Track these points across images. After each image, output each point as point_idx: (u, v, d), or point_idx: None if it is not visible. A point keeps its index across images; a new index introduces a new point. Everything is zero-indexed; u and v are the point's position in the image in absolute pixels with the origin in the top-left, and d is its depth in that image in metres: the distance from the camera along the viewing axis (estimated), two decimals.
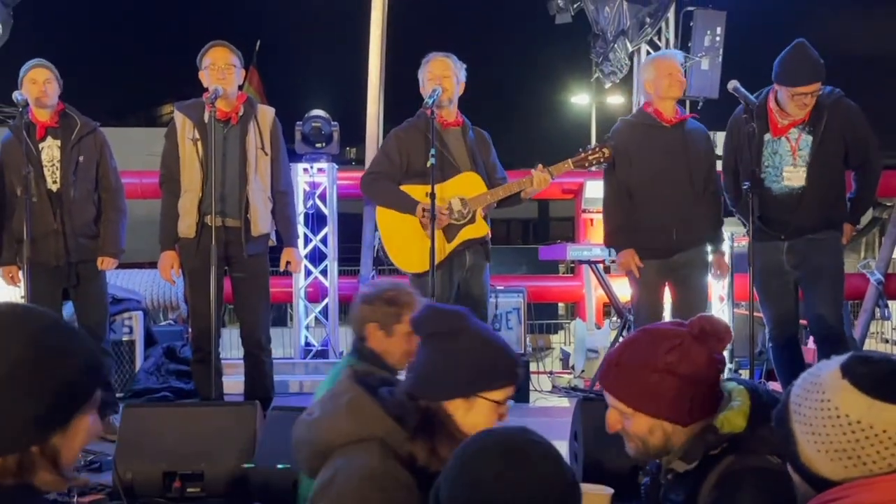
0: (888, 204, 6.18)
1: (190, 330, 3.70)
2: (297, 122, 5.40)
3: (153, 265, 3.76)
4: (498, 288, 5.37)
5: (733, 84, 3.38)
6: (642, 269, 3.52)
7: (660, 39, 6.85)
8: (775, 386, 3.71)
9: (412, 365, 1.63)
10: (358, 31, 6.16)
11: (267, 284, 3.61)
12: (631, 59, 6.72)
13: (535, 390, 4.75)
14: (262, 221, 3.49)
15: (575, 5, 6.57)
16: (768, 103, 3.36)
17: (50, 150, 3.64)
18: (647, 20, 6.44)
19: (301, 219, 5.35)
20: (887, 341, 7.24)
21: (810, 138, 3.31)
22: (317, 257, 5.54)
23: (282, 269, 3.67)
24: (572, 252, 5.18)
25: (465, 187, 3.40)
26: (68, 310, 3.93)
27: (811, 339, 4.01)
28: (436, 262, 3.34)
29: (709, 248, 3.61)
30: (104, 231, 3.71)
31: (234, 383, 3.82)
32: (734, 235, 4.91)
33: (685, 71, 3.73)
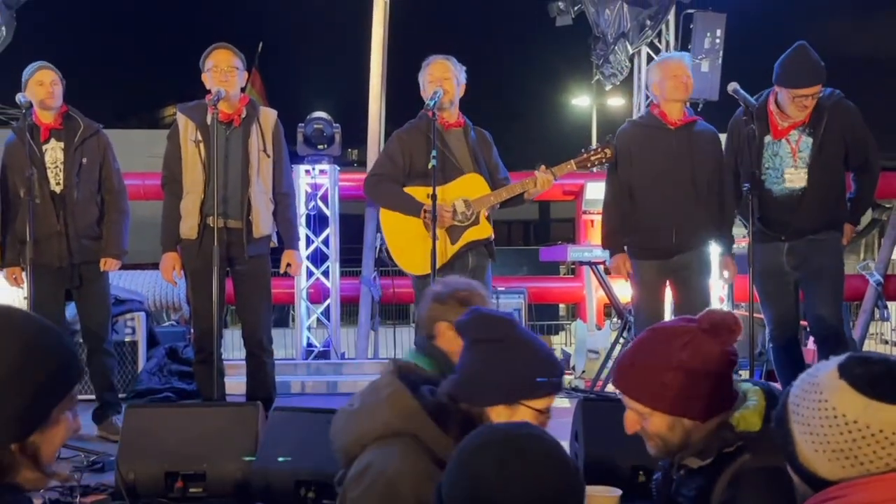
0: (887, 206, 6.20)
1: (192, 331, 3.71)
2: (299, 124, 5.42)
3: (155, 266, 3.77)
4: (499, 289, 5.39)
5: (733, 86, 3.38)
6: (642, 269, 3.54)
7: (660, 42, 6.86)
8: (775, 386, 3.72)
9: (457, 367, 1.64)
10: (359, 34, 6.18)
11: (268, 285, 3.62)
12: (631, 61, 6.74)
13: None
14: (263, 223, 3.50)
15: (576, 8, 6.58)
16: (768, 105, 3.37)
17: (53, 152, 3.65)
18: (648, 22, 6.46)
19: (303, 220, 5.37)
20: (886, 342, 7.24)
21: (810, 140, 3.31)
22: (318, 258, 5.56)
23: (282, 271, 3.68)
24: (573, 253, 5.20)
25: (468, 189, 3.41)
26: (71, 311, 3.94)
27: (811, 339, 4.02)
28: (439, 264, 3.36)
29: (716, 249, 3.61)
30: (107, 232, 3.72)
31: (235, 384, 3.84)
32: (734, 237, 4.91)
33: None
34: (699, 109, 6.32)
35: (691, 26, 6.49)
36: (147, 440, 2.83)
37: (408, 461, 1.48)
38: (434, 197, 3.22)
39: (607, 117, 17.31)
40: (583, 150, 3.49)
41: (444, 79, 3.42)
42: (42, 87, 3.59)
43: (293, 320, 6.10)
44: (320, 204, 5.52)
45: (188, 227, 3.46)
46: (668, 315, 3.76)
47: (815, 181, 3.31)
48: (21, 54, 5.02)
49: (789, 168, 3.34)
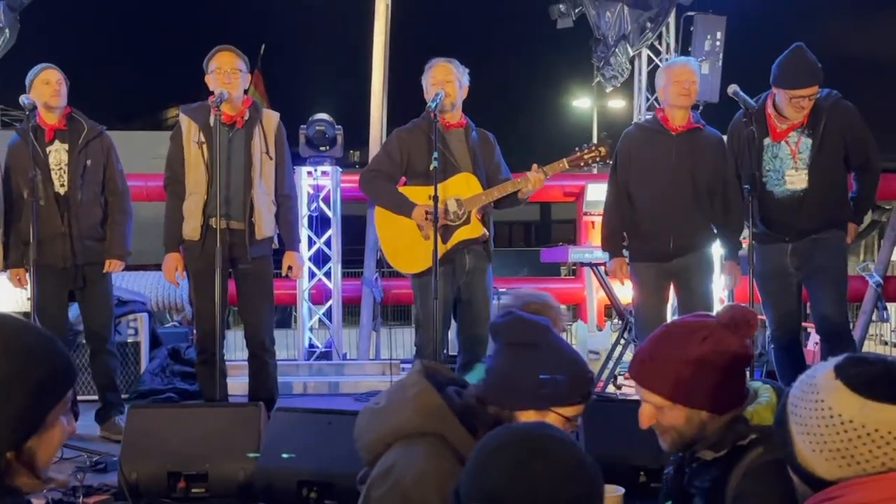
0: (887, 207, 6.20)
1: (195, 332, 3.72)
2: (302, 126, 5.43)
3: (158, 267, 3.78)
4: (500, 290, 5.39)
5: (733, 88, 3.39)
6: (642, 271, 3.54)
7: (660, 44, 6.88)
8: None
9: (487, 369, 1.63)
10: (362, 36, 6.20)
11: (271, 286, 3.63)
12: (632, 63, 6.76)
13: None
14: (266, 225, 3.50)
15: (576, 10, 6.60)
16: (766, 108, 3.37)
17: (57, 154, 3.67)
18: (648, 25, 6.48)
19: (305, 221, 5.38)
20: (886, 343, 7.24)
21: (810, 141, 3.32)
22: (321, 259, 5.57)
23: (283, 273, 3.68)
24: (574, 254, 5.21)
25: (461, 188, 3.40)
26: (74, 312, 3.96)
27: (811, 340, 4.03)
28: (431, 263, 3.35)
29: (720, 251, 3.60)
30: (111, 233, 3.73)
31: (238, 384, 3.85)
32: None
33: None
34: (699, 111, 6.35)
35: (692, 29, 6.51)
36: (150, 440, 2.83)
37: (433, 461, 1.48)
38: (435, 198, 3.22)
39: (608, 119, 17.33)
40: (576, 149, 3.46)
41: (445, 81, 3.42)
42: (48, 86, 3.60)
43: (295, 321, 6.11)
44: (322, 205, 5.54)
45: (191, 228, 3.47)
46: (669, 317, 3.77)
47: (816, 182, 3.31)
48: (24, 56, 5.04)
49: (790, 170, 3.34)
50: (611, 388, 4.80)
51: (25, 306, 3.72)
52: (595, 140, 3.49)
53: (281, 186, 3.59)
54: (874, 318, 5.01)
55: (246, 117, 3.51)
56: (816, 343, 4.49)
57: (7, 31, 5.74)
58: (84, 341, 3.92)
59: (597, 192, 6.24)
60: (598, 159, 3.45)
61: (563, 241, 7.98)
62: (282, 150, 3.60)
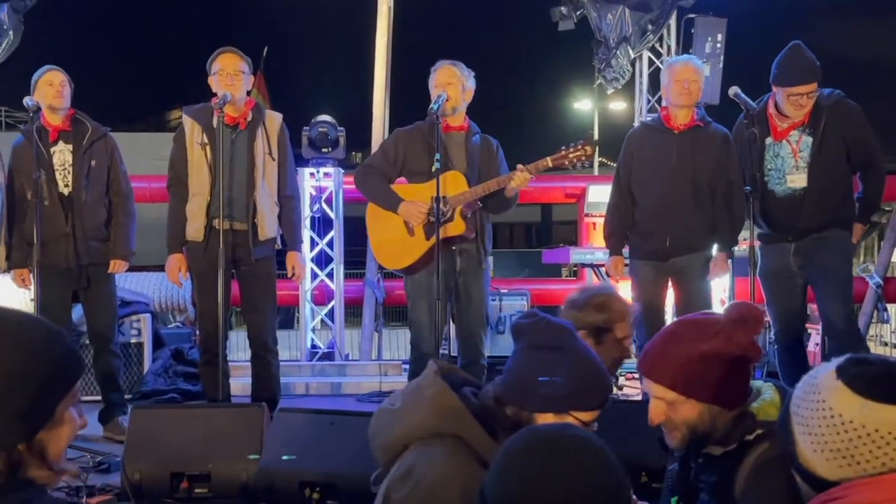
0: (887, 209, 6.19)
1: (198, 332, 3.73)
2: (304, 127, 5.45)
3: (161, 268, 3.79)
4: (502, 291, 5.41)
5: (734, 90, 3.40)
6: (640, 268, 3.55)
7: (661, 46, 6.90)
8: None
9: (505, 369, 1.63)
10: (364, 38, 6.21)
11: (273, 287, 3.64)
12: (633, 65, 6.78)
13: None
14: (269, 226, 3.52)
15: (578, 12, 6.62)
16: (768, 108, 3.37)
17: (62, 155, 3.68)
18: (649, 27, 6.49)
19: (307, 222, 5.40)
20: (886, 344, 7.24)
21: (810, 140, 3.31)
22: (323, 260, 5.58)
23: (289, 275, 3.70)
24: (575, 255, 5.23)
25: (448, 186, 3.37)
26: (77, 312, 3.97)
27: (811, 341, 4.03)
28: (413, 259, 3.39)
29: (713, 249, 3.58)
30: (115, 234, 3.75)
31: (241, 385, 3.86)
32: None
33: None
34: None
35: (692, 31, 6.52)
36: (153, 441, 2.84)
37: (454, 462, 1.47)
38: (437, 199, 3.23)
39: (609, 121, 17.35)
40: (562, 148, 3.40)
41: (447, 84, 3.42)
42: (52, 87, 3.62)
43: (298, 322, 6.13)
44: (325, 207, 5.56)
45: (194, 229, 3.48)
46: (669, 316, 3.78)
47: (816, 181, 3.31)
48: (28, 58, 5.06)
49: (791, 169, 3.34)
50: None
51: (29, 307, 3.73)
52: (583, 139, 3.43)
53: (283, 187, 3.60)
54: (874, 319, 5.01)
55: (249, 118, 3.52)
56: (817, 344, 4.50)
57: (11, 32, 5.77)
58: (87, 342, 3.93)
59: (598, 194, 6.25)
60: (583, 158, 3.37)
61: (564, 242, 8.00)
62: (284, 151, 3.61)
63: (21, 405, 1.04)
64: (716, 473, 1.56)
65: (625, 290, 4.55)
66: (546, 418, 1.55)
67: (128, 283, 5.37)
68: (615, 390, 4.84)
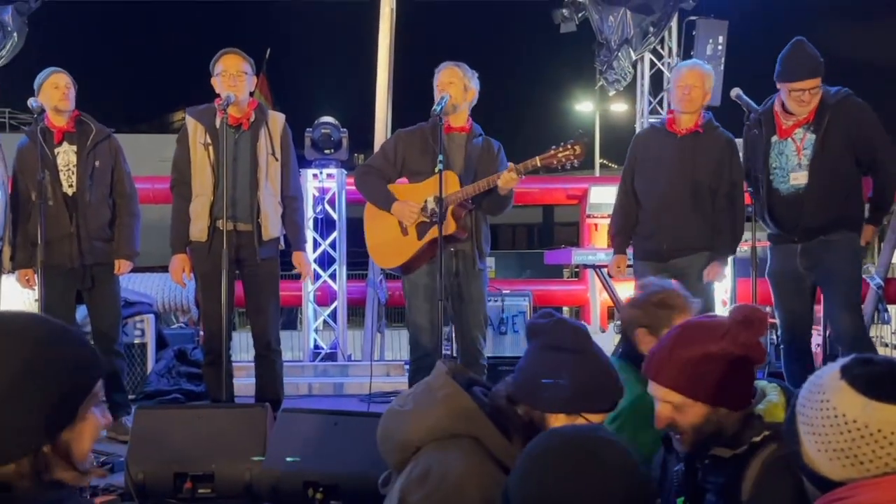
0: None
1: (201, 333, 3.74)
2: (307, 129, 5.47)
3: (163, 269, 3.81)
4: (504, 291, 5.42)
5: (736, 92, 3.41)
6: (642, 268, 3.56)
7: (663, 48, 6.91)
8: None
9: (519, 368, 1.63)
10: (367, 41, 6.23)
11: (277, 287, 3.65)
12: (634, 67, 6.79)
13: None
14: (272, 226, 3.53)
15: (580, 15, 6.63)
16: (774, 106, 3.36)
17: (66, 155, 3.70)
18: (651, 29, 6.50)
19: (310, 223, 5.41)
20: (887, 345, 7.23)
21: (814, 137, 3.28)
22: (326, 261, 5.60)
23: (300, 273, 3.72)
24: (577, 256, 5.24)
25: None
26: (81, 312, 3.99)
27: (812, 342, 4.02)
28: (406, 259, 3.40)
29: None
30: (119, 234, 3.77)
31: (244, 385, 3.87)
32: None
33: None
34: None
35: (694, 33, 6.53)
36: (156, 441, 2.84)
37: (471, 463, 1.47)
38: (440, 200, 3.24)
39: (610, 123, 17.37)
40: (552, 147, 3.32)
41: (448, 83, 3.42)
42: (57, 90, 3.64)
43: (301, 323, 6.14)
44: (327, 208, 5.57)
45: (198, 229, 3.50)
46: None
47: (817, 179, 3.27)
48: (31, 60, 5.09)
49: (794, 167, 3.31)
50: None
51: (33, 307, 3.75)
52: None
53: (287, 188, 3.61)
54: (875, 320, 5.01)
55: (252, 119, 3.53)
56: (818, 345, 4.50)
57: (15, 34, 5.79)
58: (91, 342, 3.94)
59: (600, 195, 6.26)
60: (572, 158, 3.27)
61: (566, 243, 8.01)
62: (287, 151, 3.62)
63: (45, 405, 1.05)
64: (724, 475, 1.56)
65: (627, 290, 4.57)
66: (558, 418, 1.55)
67: (131, 283, 5.38)
68: None
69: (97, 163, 3.71)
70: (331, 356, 5.54)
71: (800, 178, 3.30)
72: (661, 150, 3.53)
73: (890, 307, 5.42)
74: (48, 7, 6.06)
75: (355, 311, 6.43)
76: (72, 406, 1.08)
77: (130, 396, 4.16)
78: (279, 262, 3.67)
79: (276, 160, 3.56)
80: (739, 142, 3.57)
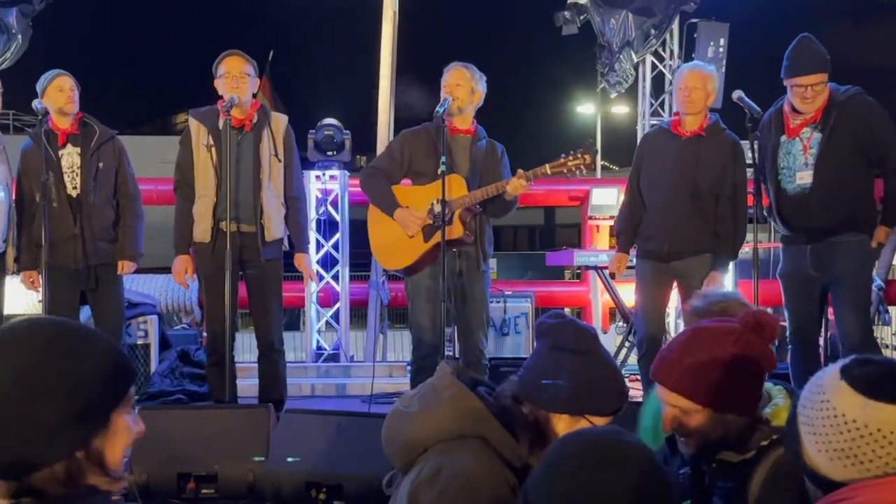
0: None
1: (205, 334, 3.76)
2: (310, 131, 5.48)
3: (168, 270, 3.82)
4: (506, 293, 5.43)
5: (738, 94, 3.40)
6: (644, 268, 3.57)
7: (664, 50, 6.92)
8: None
9: (525, 367, 1.63)
10: (369, 43, 6.24)
11: (280, 288, 3.66)
12: (636, 69, 6.80)
13: None
14: (275, 227, 3.54)
15: (581, 17, 6.64)
16: (784, 105, 3.34)
17: (70, 157, 3.71)
18: (652, 31, 6.51)
19: (313, 225, 5.42)
20: (888, 346, 7.23)
21: (821, 136, 3.25)
22: (328, 263, 5.61)
23: (306, 281, 3.72)
24: (579, 258, 5.26)
25: (448, 189, 3.38)
26: (85, 314, 4.00)
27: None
28: (412, 260, 3.41)
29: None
30: (123, 235, 3.78)
31: (247, 386, 3.88)
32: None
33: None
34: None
35: (695, 35, 6.54)
36: (160, 442, 2.85)
37: (482, 462, 1.47)
38: (443, 202, 3.25)
39: (612, 125, 17.38)
40: (561, 155, 3.38)
41: (455, 85, 3.43)
42: (62, 92, 3.66)
43: (303, 324, 6.15)
44: (330, 209, 5.58)
45: (201, 230, 3.51)
46: (672, 317, 3.80)
47: (822, 178, 3.23)
48: (35, 62, 5.10)
49: (801, 166, 3.29)
50: None
51: (38, 308, 3.77)
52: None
53: (290, 188, 3.62)
54: (876, 321, 5.01)
55: (254, 120, 3.54)
56: (820, 346, 4.50)
57: (20, 37, 5.81)
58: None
59: (601, 197, 6.27)
60: (581, 167, 3.33)
61: (567, 244, 8.02)
62: (290, 152, 3.63)
63: (77, 412, 1.04)
64: (731, 479, 1.56)
65: (629, 291, 4.58)
66: (561, 419, 1.55)
67: (134, 284, 5.40)
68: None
69: (101, 164, 3.73)
70: (333, 357, 5.54)
71: (805, 178, 3.28)
72: (665, 152, 3.54)
73: (891, 308, 5.43)
74: (52, 9, 6.08)
75: (358, 312, 6.43)
76: (105, 412, 1.08)
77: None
78: (282, 263, 3.68)
79: (279, 161, 3.57)
80: (745, 143, 3.58)
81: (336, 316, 5.62)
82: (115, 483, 1.09)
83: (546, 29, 7.08)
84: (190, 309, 5.72)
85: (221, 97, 3.51)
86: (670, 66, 6.83)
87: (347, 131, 5.51)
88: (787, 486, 1.44)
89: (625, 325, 5.25)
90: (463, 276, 3.45)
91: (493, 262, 3.78)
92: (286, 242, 3.67)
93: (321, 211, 5.55)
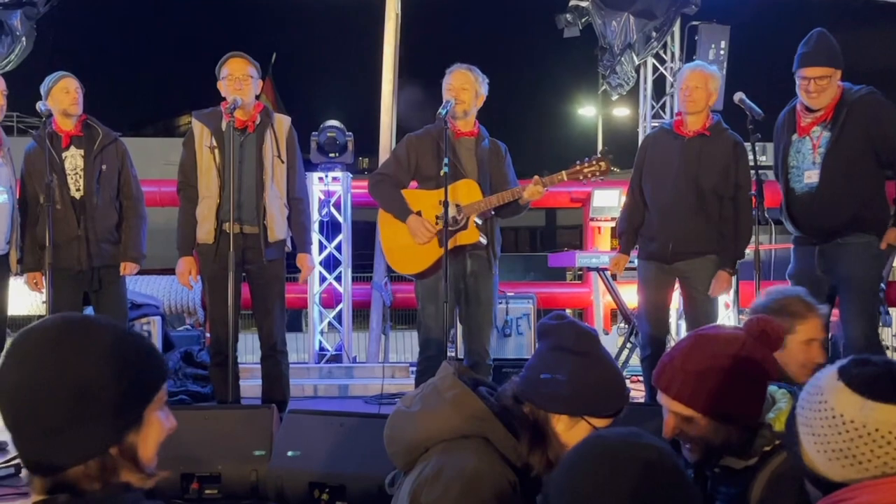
0: None
1: (208, 335, 3.77)
2: (313, 132, 5.50)
3: (171, 271, 3.83)
4: (508, 294, 5.44)
5: (739, 96, 3.39)
6: (646, 268, 3.57)
7: (665, 53, 6.93)
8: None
9: (526, 367, 1.64)
10: (372, 45, 6.26)
11: (283, 289, 3.67)
12: (637, 71, 6.81)
13: None
14: (278, 228, 3.55)
15: (583, 20, 6.65)
16: (797, 104, 3.32)
17: (73, 159, 3.72)
18: (653, 34, 6.52)
19: (316, 226, 5.43)
20: (888, 347, 7.23)
21: (829, 135, 3.21)
22: (331, 264, 5.62)
23: (301, 280, 3.73)
24: (581, 259, 5.27)
25: (462, 194, 3.42)
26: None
27: None
28: (427, 265, 3.42)
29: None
30: (126, 237, 3.79)
31: (250, 387, 3.90)
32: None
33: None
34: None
35: (696, 38, 6.55)
36: (163, 442, 2.87)
37: (483, 462, 1.48)
38: (446, 204, 3.26)
39: (613, 127, 17.41)
40: (577, 162, 3.45)
41: (461, 89, 3.44)
42: (68, 94, 3.67)
43: (306, 325, 6.16)
44: (333, 211, 5.59)
45: (205, 231, 3.52)
46: (673, 318, 3.81)
47: (829, 178, 3.20)
48: (39, 65, 5.12)
49: (809, 165, 3.27)
50: None
51: (41, 310, 3.78)
52: (598, 154, 3.48)
53: (293, 189, 3.63)
54: (878, 322, 5.00)
55: (257, 122, 3.56)
56: None
57: (24, 39, 5.82)
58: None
59: (603, 199, 6.29)
60: (597, 173, 3.42)
61: (568, 246, 8.03)
62: (293, 153, 3.64)
63: (112, 409, 1.05)
64: (734, 485, 1.56)
65: (630, 292, 4.59)
66: (560, 420, 1.56)
67: (138, 285, 5.42)
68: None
69: (104, 166, 3.74)
70: (336, 358, 5.56)
71: (813, 177, 3.25)
72: (668, 152, 3.54)
73: (891, 310, 5.43)
74: (56, 11, 6.10)
75: (360, 313, 6.45)
76: (139, 408, 1.09)
77: None
78: (285, 264, 3.70)
79: (282, 162, 3.58)
80: (747, 146, 3.58)
81: (339, 317, 5.63)
82: (147, 479, 1.10)
83: (547, 31, 7.10)
84: (193, 310, 5.74)
85: (224, 99, 3.53)
86: (671, 68, 6.84)
87: (350, 133, 5.53)
88: (788, 493, 1.44)
89: (626, 326, 5.26)
90: (474, 276, 3.47)
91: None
92: (289, 243, 3.68)
93: (324, 212, 5.56)
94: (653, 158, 3.60)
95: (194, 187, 3.55)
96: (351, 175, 5.70)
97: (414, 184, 3.61)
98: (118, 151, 3.81)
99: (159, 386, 1.13)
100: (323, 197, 5.57)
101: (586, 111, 19.64)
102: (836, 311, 3.49)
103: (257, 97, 3.65)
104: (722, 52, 6.49)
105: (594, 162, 3.41)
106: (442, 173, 3.27)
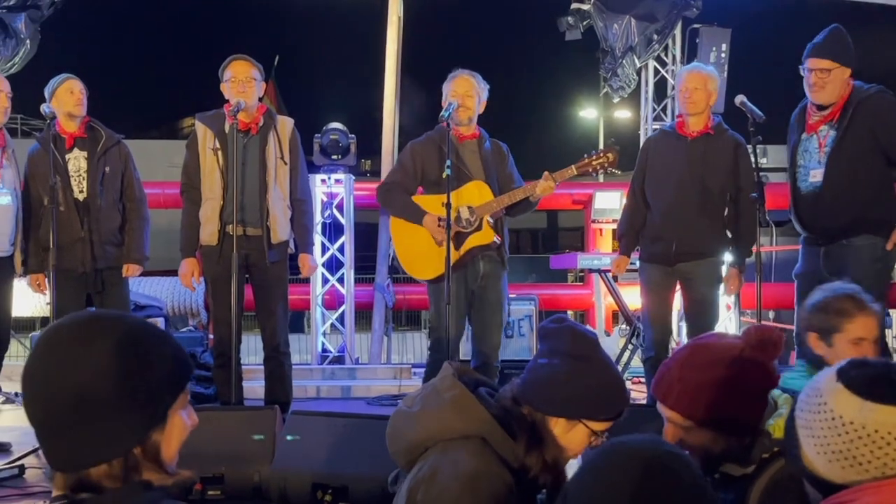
0: None
1: (211, 336, 3.77)
2: (316, 135, 5.52)
3: (174, 273, 3.84)
4: (510, 296, 5.45)
5: (740, 98, 3.39)
6: (648, 271, 3.57)
7: (667, 56, 6.94)
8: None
9: (526, 369, 1.65)
10: (374, 48, 6.28)
11: (286, 291, 3.68)
12: (639, 74, 6.82)
13: None
14: (281, 229, 3.56)
15: (584, 22, 6.67)
16: (808, 102, 3.30)
17: (77, 161, 3.74)
18: (655, 37, 6.54)
19: (318, 228, 5.45)
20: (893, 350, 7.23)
21: (835, 134, 3.18)
22: (334, 266, 5.64)
23: (304, 275, 3.75)
24: (583, 261, 5.28)
25: (473, 196, 3.45)
26: None
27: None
28: (443, 270, 3.39)
29: (724, 260, 3.55)
30: (129, 238, 3.81)
31: (253, 388, 3.91)
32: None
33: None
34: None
35: (697, 41, 6.56)
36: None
37: (480, 462, 1.49)
38: (448, 205, 3.28)
39: (614, 129, 17.43)
40: (584, 156, 3.50)
41: (466, 96, 3.46)
42: (72, 95, 3.69)
43: (309, 326, 6.18)
44: (335, 213, 5.61)
45: (208, 233, 3.53)
46: (674, 319, 3.82)
47: (833, 177, 3.17)
48: (43, 67, 5.14)
49: (815, 164, 3.25)
50: None
51: (45, 311, 3.80)
52: (602, 147, 3.52)
53: (295, 190, 3.64)
54: None
55: (260, 124, 3.57)
56: None
57: (28, 41, 5.85)
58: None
59: (604, 200, 6.31)
60: (605, 165, 3.48)
61: (570, 247, 8.03)
62: (296, 155, 3.65)
63: (137, 408, 1.05)
64: (732, 492, 1.56)
65: (631, 293, 4.60)
66: (558, 423, 1.57)
67: (141, 287, 5.43)
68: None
69: (107, 168, 3.76)
70: (338, 359, 5.57)
71: (818, 176, 3.22)
72: (671, 153, 3.54)
73: (891, 311, 5.43)
74: (60, 14, 6.12)
75: (363, 314, 6.46)
76: (163, 407, 1.09)
77: None
78: (288, 266, 3.71)
79: (285, 164, 3.60)
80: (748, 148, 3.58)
81: (341, 318, 5.65)
82: (169, 478, 1.10)
83: (549, 34, 7.11)
84: (196, 311, 5.76)
85: (227, 101, 3.54)
86: (673, 71, 6.85)
87: (353, 135, 5.55)
88: (785, 500, 1.45)
89: (628, 327, 5.27)
90: (486, 277, 3.49)
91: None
92: (292, 245, 3.69)
93: (326, 214, 5.58)
94: (655, 160, 3.61)
95: (197, 189, 3.57)
96: (353, 177, 5.72)
97: (419, 190, 3.63)
98: (121, 154, 3.83)
99: (184, 386, 1.13)
100: (326, 199, 5.59)
101: (588, 114, 19.68)
102: None
103: (260, 99, 3.67)
104: (723, 55, 6.51)
105: (601, 154, 3.49)
106: (444, 175, 3.29)
